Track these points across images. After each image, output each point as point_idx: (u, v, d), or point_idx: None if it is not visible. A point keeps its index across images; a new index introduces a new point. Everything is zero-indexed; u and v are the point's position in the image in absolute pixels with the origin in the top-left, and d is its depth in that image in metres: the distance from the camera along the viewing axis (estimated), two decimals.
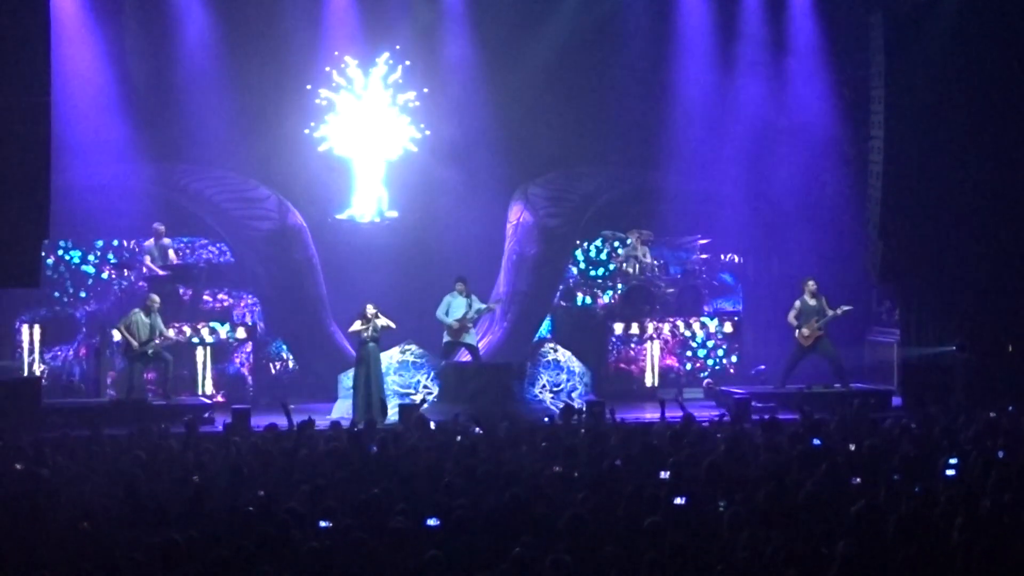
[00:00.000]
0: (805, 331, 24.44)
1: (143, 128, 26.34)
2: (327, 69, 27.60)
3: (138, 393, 23.53)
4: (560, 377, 25.50)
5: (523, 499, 12.79)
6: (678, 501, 12.80)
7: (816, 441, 16.64)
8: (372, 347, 23.52)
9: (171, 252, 25.68)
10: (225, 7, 26.75)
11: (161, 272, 25.38)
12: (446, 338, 25.13)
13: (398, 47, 27.79)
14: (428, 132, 27.85)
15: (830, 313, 24.45)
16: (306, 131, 27.53)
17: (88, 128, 25.57)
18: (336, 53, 27.62)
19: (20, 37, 22.16)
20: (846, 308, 24.61)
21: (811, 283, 24.80)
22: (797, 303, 24.71)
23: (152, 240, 25.58)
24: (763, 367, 26.86)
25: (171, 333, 24.11)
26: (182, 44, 26.52)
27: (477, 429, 18.51)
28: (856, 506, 12.24)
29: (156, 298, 24.00)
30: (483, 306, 25.25)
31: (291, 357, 27.26)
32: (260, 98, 26.76)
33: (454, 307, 24.98)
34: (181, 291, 25.77)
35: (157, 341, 23.63)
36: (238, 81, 26.56)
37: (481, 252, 27.55)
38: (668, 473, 14.20)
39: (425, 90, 27.86)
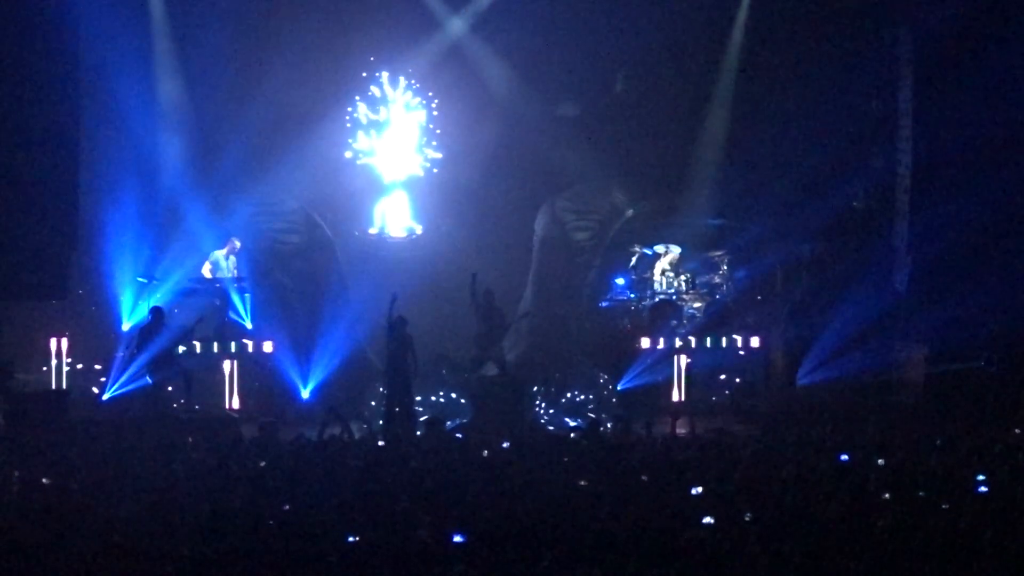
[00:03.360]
0: None
1: (173, 141, 26.52)
2: (372, 87, 27.73)
3: (163, 407, 23.60)
4: (587, 391, 25.51)
5: (549, 514, 12.77)
6: (706, 520, 12.75)
7: (844, 456, 16.59)
8: (401, 360, 23.54)
9: (235, 271, 25.85)
10: (255, 24, 26.82)
11: (192, 286, 25.59)
12: (474, 351, 25.19)
13: (420, 64, 27.91)
14: (454, 147, 27.92)
15: None
16: (347, 153, 27.67)
17: (118, 140, 25.77)
18: (364, 74, 27.74)
19: (51, 53, 22.33)
20: None
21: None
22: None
23: (225, 250, 25.74)
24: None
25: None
26: (213, 57, 26.61)
27: (504, 444, 18.51)
28: (883, 522, 12.19)
29: (163, 309, 24.22)
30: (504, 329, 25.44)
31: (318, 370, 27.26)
32: (290, 112, 26.84)
33: (478, 319, 25.16)
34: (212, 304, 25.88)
35: (180, 349, 23.84)
36: (268, 95, 26.63)
37: (508, 266, 27.58)
38: (700, 489, 14.16)
39: (433, 106, 27.93)
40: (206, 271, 25.81)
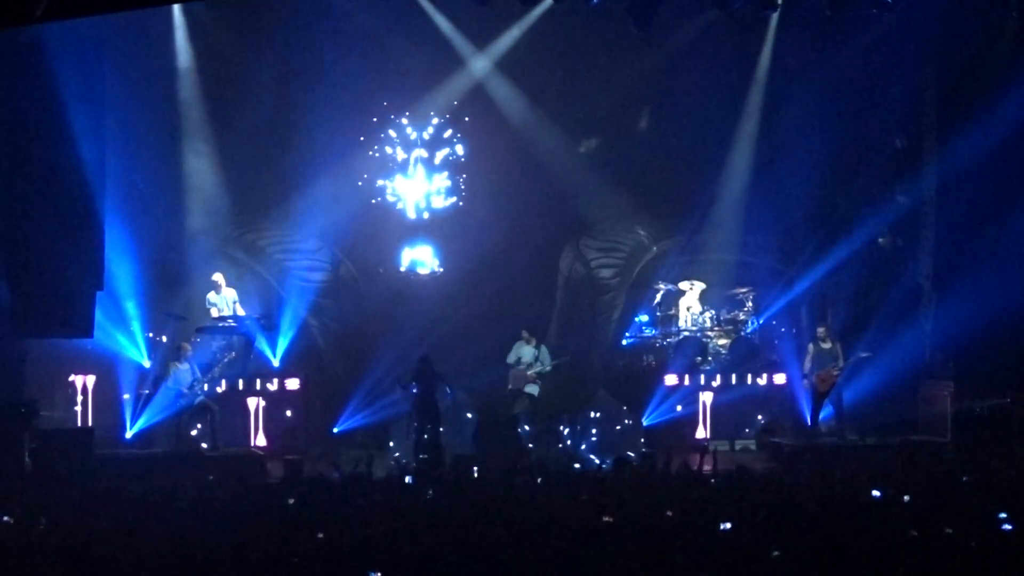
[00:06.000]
0: (821, 375, 24.42)
1: (197, 180, 26.68)
2: (395, 127, 27.86)
3: (188, 444, 23.64)
4: (611, 427, 25.46)
5: (574, 550, 12.73)
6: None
7: (875, 493, 16.53)
8: (429, 397, 23.58)
9: (237, 306, 25.85)
10: (281, 65, 26.90)
11: (217, 323, 25.62)
12: (509, 386, 25.26)
13: (443, 104, 27.97)
14: (479, 184, 27.98)
15: (843, 360, 24.42)
16: (359, 183, 27.71)
17: (143, 177, 25.95)
18: (387, 107, 27.82)
19: (77, 94, 22.45)
20: (864, 355, 24.64)
21: (821, 330, 24.81)
22: (811, 348, 24.70)
23: (214, 292, 25.78)
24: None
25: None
26: (239, 95, 26.75)
27: (538, 479, 18.50)
28: (910, 559, 12.13)
29: (187, 346, 24.29)
30: (549, 368, 25.47)
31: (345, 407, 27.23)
32: (315, 150, 26.90)
33: (523, 355, 25.24)
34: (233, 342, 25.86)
35: (204, 387, 23.90)
36: (291, 133, 26.72)
37: (533, 303, 27.61)
38: (729, 525, 14.11)
39: (458, 144, 28.01)
40: (214, 313, 25.79)
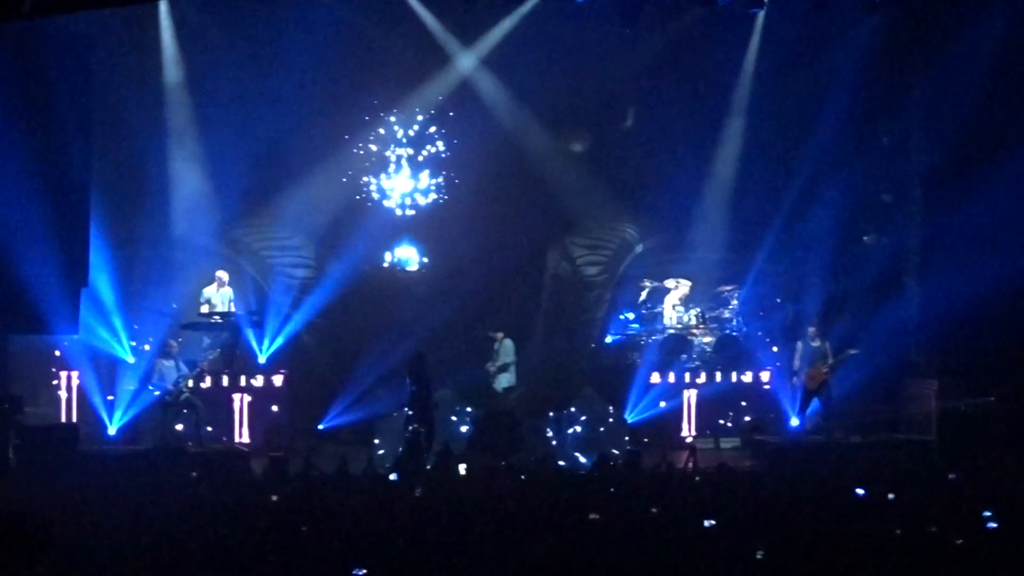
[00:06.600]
0: (811, 372, 24.44)
1: (183, 177, 26.66)
2: (382, 125, 27.85)
3: (173, 441, 23.61)
4: (596, 425, 25.46)
5: (560, 547, 12.75)
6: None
7: (859, 491, 16.57)
8: (419, 393, 23.57)
9: (232, 304, 25.83)
10: (268, 62, 26.87)
11: (202, 320, 25.59)
12: (490, 381, 25.38)
13: (430, 101, 27.94)
14: (465, 182, 27.95)
15: (831, 358, 24.42)
16: (344, 180, 27.69)
17: (128, 175, 25.92)
18: (376, 104, 27.81)
19: (63, 91, 22.43)
20: (852, 351, 24.64)
21: (811, 329, 24.88)
22: (799, 346, 24.72)
23: (214, 286, 25.76)
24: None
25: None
26: (224, 94, 26.71)
27: (522, 477, 18.52)
28: (895, 558, 12.16)
29: (175, 343, 24.26)
30: (510, 360, 25.51)
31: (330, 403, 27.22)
32: (301, 147, 26.89)
33: (492, 354, 25.35)
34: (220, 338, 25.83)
35: (189, 383, 23.88)
36: (278, 130, 26.68)
37: (519, 301, 27.62)
38: (712, 522, 14.14)
39: (440, 142, 28.00)
40: (205, 309, 25.77)
